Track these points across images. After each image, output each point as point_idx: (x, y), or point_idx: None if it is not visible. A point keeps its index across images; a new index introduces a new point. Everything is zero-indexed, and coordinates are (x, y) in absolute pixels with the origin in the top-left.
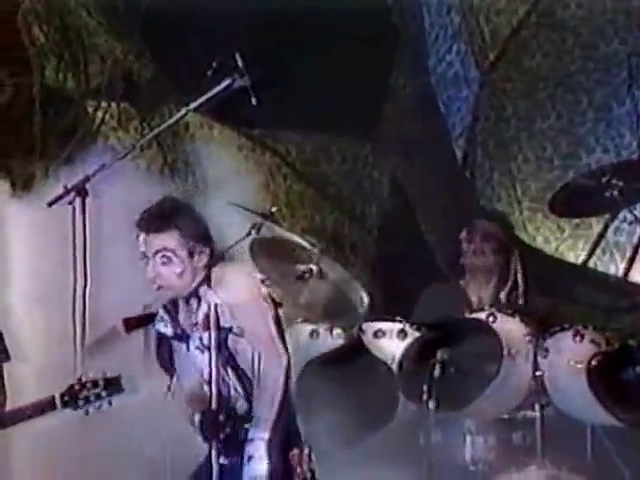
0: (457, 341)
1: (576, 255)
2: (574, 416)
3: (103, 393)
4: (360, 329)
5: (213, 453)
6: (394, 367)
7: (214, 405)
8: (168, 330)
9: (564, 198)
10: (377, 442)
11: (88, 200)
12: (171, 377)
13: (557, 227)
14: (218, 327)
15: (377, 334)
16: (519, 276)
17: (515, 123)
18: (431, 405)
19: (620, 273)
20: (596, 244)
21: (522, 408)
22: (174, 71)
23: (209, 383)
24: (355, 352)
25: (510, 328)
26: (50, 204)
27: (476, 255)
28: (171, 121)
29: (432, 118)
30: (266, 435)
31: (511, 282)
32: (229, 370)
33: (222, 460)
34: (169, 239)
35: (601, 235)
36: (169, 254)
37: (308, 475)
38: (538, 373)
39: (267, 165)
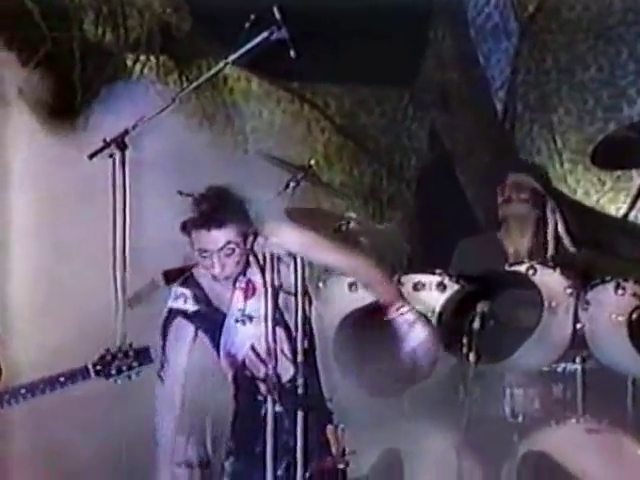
0: (497, 294)
1: (617, 208)
2: (615, 369)
3: (134, 363)
4: (399, 281)
5: (269, 401)
6: (433, 320)
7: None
8: (188, 306)
9: (605, 150)
10: (416, 395)
11: (128, 153)
12: (162, 364)
13: (598, 180)
14: (268, 287)
15: (416, 286)
16: (551, 228)
17: (556, 75)
18: (471, 358)
19: None
20: (637, 197)
21: (562, 361)
22: (212, 24)
23: (255, 351)
24: None
25: (550, 281)
26: (91, 157)
27: (506, 204)
28: (209, 74)
29: (471, 70)
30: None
31: (544, 234)
32: (278, 330)
33: (277, 408)
34: (230, 232)
35: None
36: (232, 246)
37: (341, 450)
38: (579, 326)
39: (305, 118)
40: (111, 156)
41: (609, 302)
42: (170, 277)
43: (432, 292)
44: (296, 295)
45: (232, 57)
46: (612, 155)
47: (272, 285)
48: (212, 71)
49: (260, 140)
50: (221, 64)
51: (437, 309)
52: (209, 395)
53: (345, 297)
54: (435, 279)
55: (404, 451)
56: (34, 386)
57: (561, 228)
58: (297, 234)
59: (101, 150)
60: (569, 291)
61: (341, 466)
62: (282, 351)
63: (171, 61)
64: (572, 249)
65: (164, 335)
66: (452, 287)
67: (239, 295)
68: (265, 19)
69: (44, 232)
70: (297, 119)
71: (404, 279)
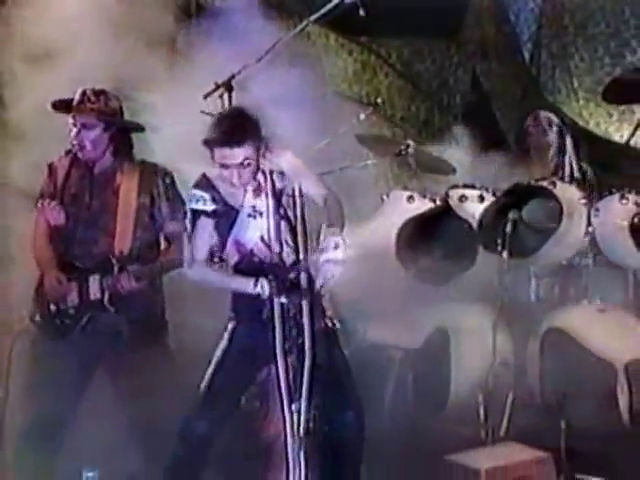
0: (525, 204)
1: (621, 135)
2: (619, 263)
3: None
4: (447, 195)
5: (274, 298)
6: (475, 225)
7: (274, 257)
8: (207, 207)
9: (613, 89)
10: (460, 284)
11: (234, 94)
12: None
13: (607, 113)
14: (274, 188)
15: (461, 199)
16: (569, 153)
17: (572, 30)
18: (504, 254)
19: None
20: (637, 126)
21: (577, 256)
22: None
23: (263, 240)
24: (443, 213)
25: (568, 193)
26: (205, 97)
27: (540, 134)
28: (296, 30)
29: (505, 26)
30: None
31: (564, 158)
32: (282, 223)
33: (282, 299)
34: (248, 150)
35: None
36: (249, 161)
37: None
38: (590, 229)
39: (372, 65)
40: (221, 96)
41: (615, 209)
42: None
43: (473, 203)
44: (293, 197)
45: (314, 17)
46: (618, 93)
47: (275, 188)
48: (298, 28)
49: (336, 83)
50: (305, 22)
51: (477, 216)
52: None
53: (404, 207)
54: (476, 192)
55: (451, 328)
56: None
57: (574, 152)
58: (291, 161)
59: (213, 91)
60: (583, 201)
61: (336, 325)
62: (285, 241)
63: (265, 20)
64: (584, 168)
65: (192, 229)
66: (489, 199)
67: (250, 195)
68: None
69: None
70: (365, 66)
71: (451, 192)
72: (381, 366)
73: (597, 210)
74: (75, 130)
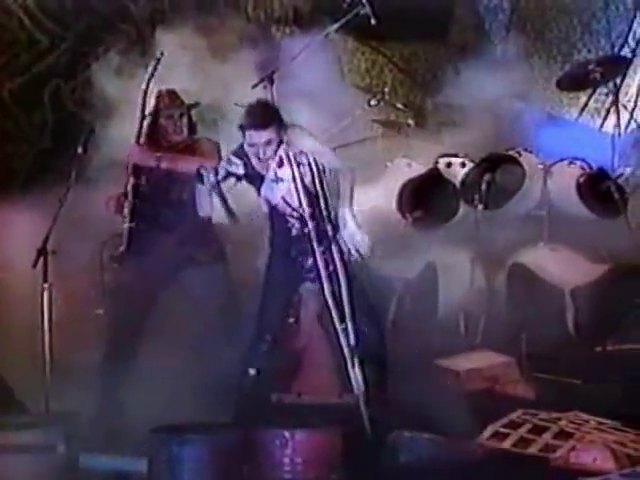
0: (496, 168)
1: (571, 115)
2: (568, 214)
3: None
4: (437, 162)
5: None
6: (458, 185)
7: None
8: (239, 170)
9: (565, 80)
10: (446, 229)
11: (275, 85)
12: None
13: (559, 99)
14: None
15: (448, 165)
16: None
17: (533, 35)
18: (480, 207)
19: (597, 127)
20: (583, 108)
21: (536, 209)
22: (325, 4)
23: (284, 199)
24: (434, 176)
25: (529, 160)
26: (253, 87)
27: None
28: (321, 36)
29: (481, 32)
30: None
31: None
32: (300, 188)
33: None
34: (271, 132)
35: (586, 103)
36: (271, 140)
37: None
38: (546, 187)
39: (380, 63)
40: (265, 87)
41: (564, 172)
42: None
43: (457, 168)
44: (310, 167)
45: (336, 26)
46: (567, 83)
47: (295, 162)
48: (323, 34)
49: (352, 77)
50: (329, 29)
51: (459, 178)
52: None
53: (404, 171)
54: (459, 160)
55: (439, 263)
56: None
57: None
58: (309, 141)
59: (258, 83)
60: (540, 166)
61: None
62: (302, 199)
63: (298, 29)
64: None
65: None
66: (469, 165)
67: (274, 166)
68: (356, 1)
69: None
70: (374, 63)
71: (440, 160)
72: (386, 291)
73: (551, 173)
74: (174, 118)
